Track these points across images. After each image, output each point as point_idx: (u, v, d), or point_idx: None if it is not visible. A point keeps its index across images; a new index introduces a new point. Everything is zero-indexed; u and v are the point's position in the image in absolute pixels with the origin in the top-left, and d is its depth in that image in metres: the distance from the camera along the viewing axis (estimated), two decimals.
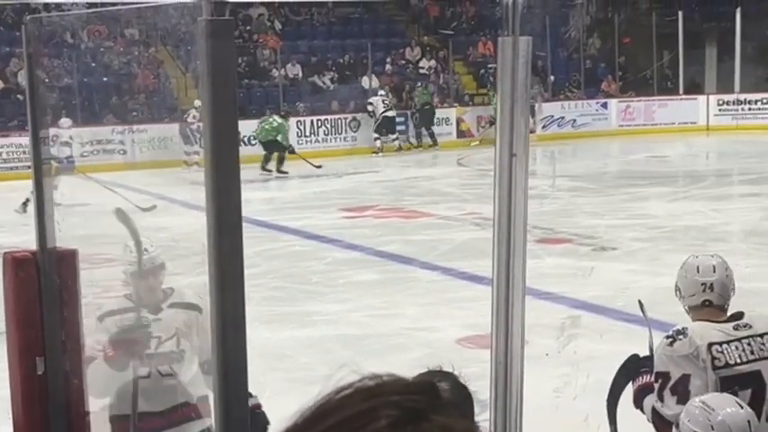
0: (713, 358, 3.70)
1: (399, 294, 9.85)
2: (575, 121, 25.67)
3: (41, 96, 3.30)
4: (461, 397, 2.26)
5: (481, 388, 2.43)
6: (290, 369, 7.55)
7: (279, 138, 20.03)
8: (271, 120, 20.56)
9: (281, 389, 6.68)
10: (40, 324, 2.90)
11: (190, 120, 20.76)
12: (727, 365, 3.70)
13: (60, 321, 2.91)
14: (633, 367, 4.14)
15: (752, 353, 3.73)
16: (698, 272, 3.93)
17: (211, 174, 1.75)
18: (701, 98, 26.47)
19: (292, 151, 20.29)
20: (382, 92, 23.96)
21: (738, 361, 3.71)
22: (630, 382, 4.08)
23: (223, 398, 1.74)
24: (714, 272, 3.92)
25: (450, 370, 2.52)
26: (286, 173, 19.82)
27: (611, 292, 9.40)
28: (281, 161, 20.02)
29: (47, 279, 2.93)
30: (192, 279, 9.86)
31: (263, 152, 20.11)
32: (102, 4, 19.54)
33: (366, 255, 11.87)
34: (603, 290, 9.59)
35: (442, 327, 8.57)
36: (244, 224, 1.88)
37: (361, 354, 7.75)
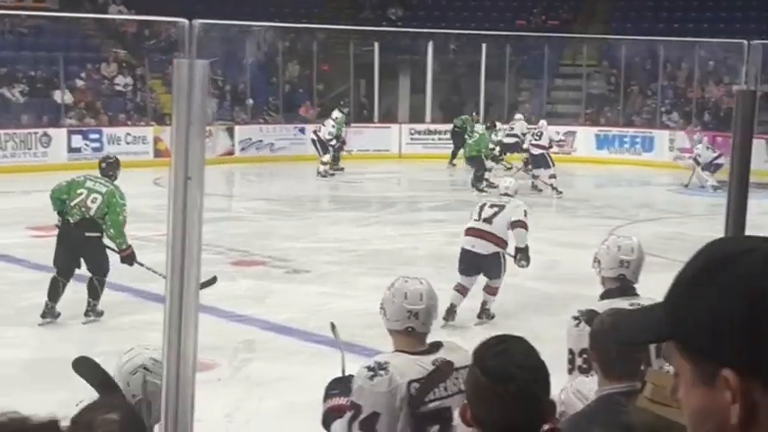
0: (410, 396, 3.66)
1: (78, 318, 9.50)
2: (273, 144, 25.93)
3: None
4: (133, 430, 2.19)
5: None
6: None
7: None
8: None
9: None
10: None
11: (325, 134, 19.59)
12: (422, 403, 3.72)
13: None
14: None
15: (445, 389, 3.72)
16: (405, 298, 3.92)
17: None
18: (395, 126, 27.54)
19: None
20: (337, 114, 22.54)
21: (432, 398, 3.70)
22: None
23: None
24: (421, 300, 3.92)
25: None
26: None
27: (303, 314, 9.54)
28: None
29: None
30: None
31: None
32: None
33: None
34: (296, 312, 9.71)
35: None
36: None
37: (27, 380, 7.42)
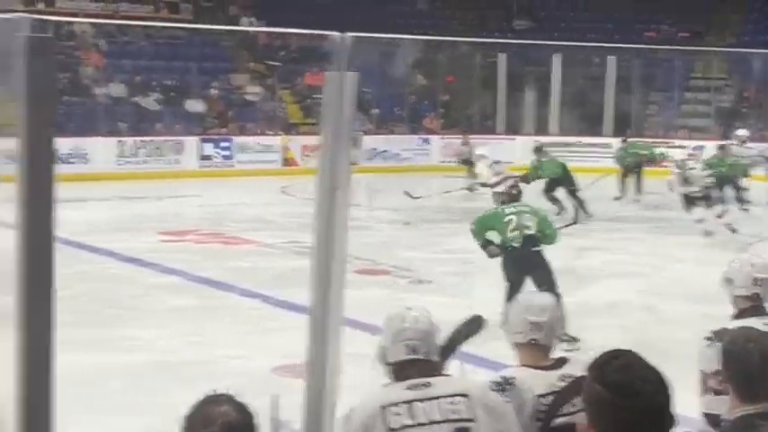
0: (539, 411, 3.61)
1: (216, 321, 9.73)
2: (398, 154, 26.09)
3: None
4: (247, 419, 2.24)
5: (295, 417, 2.42)
6: (98, 395, 7.35)
7: None
8: None
9: (88, 416, 6.50)
10: None
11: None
12: (553, 418, 3.64)
13: None
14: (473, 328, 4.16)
15: (573, 405, 3.62)
16: (528, 311, 3.86)
17: (24, 192, 1.70)
18: (520, 138, 27.39)
19: None
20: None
21: (562, 413, 3.63)
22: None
23: (24, 423, 1.68)
24: (544, 312, 3.85)
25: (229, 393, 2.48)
26: None
27: None
28: None
29: None
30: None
31: None
32: None
33: (184, 280, 11.70)
34: None
35: (258, 355, 8.50)
36: (57, 245, 1.84)
37: (173, 381, 7.61)
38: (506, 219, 9.56)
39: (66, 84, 23.72)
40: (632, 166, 20.15)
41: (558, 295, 8.56)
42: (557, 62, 27.81)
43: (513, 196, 9.96)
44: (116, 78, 25.41)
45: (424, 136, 26.98)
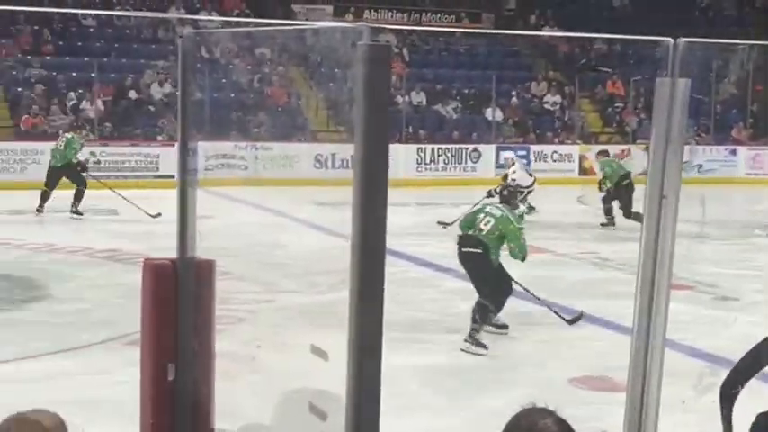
0: None
1: (511, 329, 9.74)
2: (701, 166, 25.17)
3: (191, 109, 3.37)
4: None
5: (589, 430, 2.37)
6: (397, 395, 7.52)
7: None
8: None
9: (391, 416, 6.66)
10: (174, 330, 2.95)
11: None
12: None
13: (194, 329, 2.96)
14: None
15: None
16: None
17: (360, 195, 1.75)
18: None
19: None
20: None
21: None
22: None
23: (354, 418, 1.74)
24: None
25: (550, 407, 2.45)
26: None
27: (734, 344, 9.11)
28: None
29: (184, 287, 2.98)
30: (309, 298, 9.95)
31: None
32: (246, 24, 19.93)
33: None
34: (723, 340, 9.31)
35: (552, 366, 8.43)
36: None
37: (467, 385, 7.69)
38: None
39: None
40: None
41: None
42: None
43: None
44: (417, 87, 26.07)
45: (731, 147, 25.87)
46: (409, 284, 11.83)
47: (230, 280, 9.89)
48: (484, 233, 9.12)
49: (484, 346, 8.79)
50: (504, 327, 9.38)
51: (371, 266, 1.75)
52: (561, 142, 25.36)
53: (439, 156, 23.96)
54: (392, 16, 28.41)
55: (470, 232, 9.24)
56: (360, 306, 1.73)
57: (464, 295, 11.21)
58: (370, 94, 1.76)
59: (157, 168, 21.62)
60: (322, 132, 24.50)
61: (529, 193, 16.02)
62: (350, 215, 1.73)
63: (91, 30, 25.96)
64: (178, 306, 2.93)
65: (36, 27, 24.97)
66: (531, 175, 17.40)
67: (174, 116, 22.91)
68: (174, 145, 22.85)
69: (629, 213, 15.89)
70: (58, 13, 25.13)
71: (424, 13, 29.29)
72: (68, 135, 16.52)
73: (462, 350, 8.80)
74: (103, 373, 7.67)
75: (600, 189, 16.81)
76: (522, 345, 9.23)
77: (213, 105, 21.94)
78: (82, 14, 25.88)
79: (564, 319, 9.33)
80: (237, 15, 26.16)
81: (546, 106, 26.81)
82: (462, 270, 9.64)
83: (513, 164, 17.91)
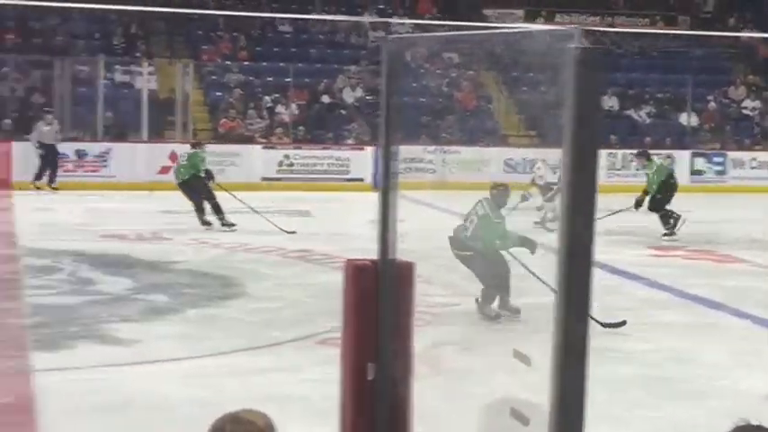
0: None
1: (705, 340, 9.46)
2: None
3: (395, 114, 3.42)
4: None
5: None
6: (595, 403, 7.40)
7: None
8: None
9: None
10: (374, 331, 2.99)
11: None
12: None
13: (395, 330, 2.99)
14: None
15: None
16: None
17: (569, 200, 1.74)
18: None
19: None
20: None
21: None
22: None
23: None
24: None
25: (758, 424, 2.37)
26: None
27: None
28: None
29: (385, 288, 3.02)
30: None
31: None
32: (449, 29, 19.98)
33: (671, 295, 11.51)
34: None
35: (749, 379, 8.13)
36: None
37: (653, 395, 7.50)
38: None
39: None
40: None
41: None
42: None
43: None
44: (609, 91, 25.64)
45: None
46: (599, 291, 11.64)
47: (418, 283, 9.97)
48: (469, 232, 9.77)
49: (517, 310, 9.61)
50: (518, 311, 9.69)
51: (580, 272, 1.74)
52: (762, 149, 24.43)
53: (630, 161, 23.45)
54: (585, 19, 28.03)
55: (461, 235, 9.83)
56: (567, 312, 1.72)
57: (659, 304, 10.97)
58: (580, 98, 1.74)
59: (348, 171, 22.02)
60: (512, 137, 24.42)
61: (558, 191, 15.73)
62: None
63: (287, 36, 26.69)
64: (379, 307, 2.97)
65: (234, 33, 25.86)
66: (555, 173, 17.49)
67: (364, 120, 23.31)
68: (363, 149, 23.24)
69: None
70: (255, 18, 25.96)
71: (617, 16, 28.78)
72: (190, 151, 16.19)
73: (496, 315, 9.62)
74: (294, 370, 7.85)
75: None
76: (713, 356, 8.93)
77: (404, 109, 22.10)
78: (279, 20, 26.64)
79: (599, 323, 8.99)
80: (429, 20, 26.37)
81: (744, 111, 25.89)
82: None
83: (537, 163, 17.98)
